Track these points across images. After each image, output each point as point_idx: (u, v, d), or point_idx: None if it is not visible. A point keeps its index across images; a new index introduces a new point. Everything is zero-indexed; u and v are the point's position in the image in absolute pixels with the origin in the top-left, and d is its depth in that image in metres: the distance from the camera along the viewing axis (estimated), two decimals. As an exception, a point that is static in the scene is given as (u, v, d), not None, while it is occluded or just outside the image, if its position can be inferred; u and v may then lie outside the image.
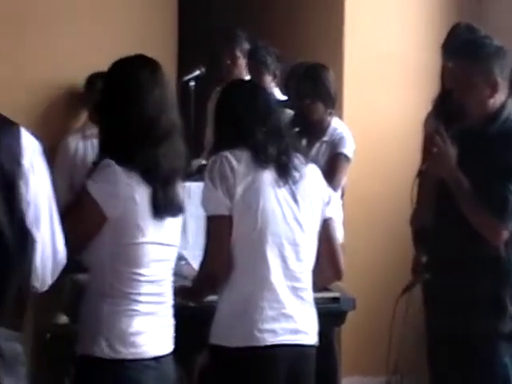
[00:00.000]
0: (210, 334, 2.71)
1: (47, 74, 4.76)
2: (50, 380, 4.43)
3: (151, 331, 2.45)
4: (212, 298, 2.78)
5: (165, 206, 2.45)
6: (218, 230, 2.68)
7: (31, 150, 2.06)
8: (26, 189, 2.03)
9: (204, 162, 4.03)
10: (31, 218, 2.04)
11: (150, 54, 2.61)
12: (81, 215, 2.44)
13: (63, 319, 4.37)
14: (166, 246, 2.50)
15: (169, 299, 2.54)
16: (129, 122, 2.45)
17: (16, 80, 4.63)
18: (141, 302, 2.44)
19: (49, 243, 2.09)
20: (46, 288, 2.13)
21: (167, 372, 2.51)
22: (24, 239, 2.03)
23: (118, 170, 2.41)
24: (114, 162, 2.42)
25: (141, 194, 2.42)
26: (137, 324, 2.43)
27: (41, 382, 4.38)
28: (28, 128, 2.11)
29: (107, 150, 2.48)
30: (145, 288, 2.45)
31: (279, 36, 5.33)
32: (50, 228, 2.09)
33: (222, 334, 2.69)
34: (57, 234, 2.11)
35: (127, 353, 2.41)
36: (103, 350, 2.39)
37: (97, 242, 2.43)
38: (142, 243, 2.43)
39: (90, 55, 4.82)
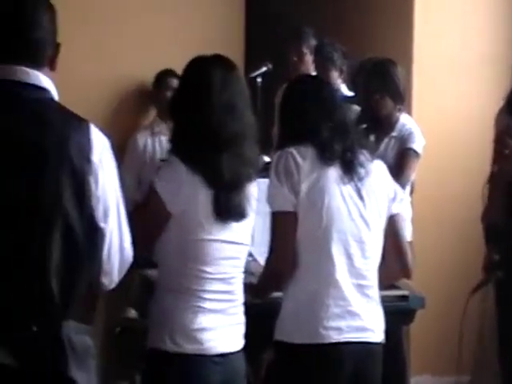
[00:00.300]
0: (275, 330, 2.70)
1: (117, 71, 4.83)
2: (119, 373, 4.49)
3: (218, 328, 2.46)
4: (277, 294, 2.78)
5: (228, 210, 2.44)
6: (283, 226, 2.67)
7: (100, 146, 2.07)
8: (96, 185, 2.04)
9: (268, 159, 4.03)
10: (100, 214, 2.06)
11: (216, 51, 2.61)
12: (148, 213, 2.46)
13: (132, 313, 4.42)
14: (234, 245, 2.49)
15: (239, 297, 2.53)
16: (197, 123, 2.44)
17: (86, 77, 4.70)
18: (207, 299, 2.44)
19: (116, 239, 2.10)
20: (113, 285, 2.15)
21: (235, 368, 2.51)
22: (94, 235, 2.05)
23: (183, 168, 2.42)
24: (179, 161, 2.43)
25: (203, 195, 2.43)
26: (202, 321, 2.43)
27: (111, 375, 4.45)
28: (98, 125, 2.13)
29: (175, 148, 2.49)
30: (212, 285, 2.45)
31: (347, 32, 5.29)
32: (118, 224, 2.10)
33: (287, 330, 2.69)
34: (124, 231, 2.12)
35: (191, 348, 2.42)
36: (167, 344, 2.41)
37: (164, 238, 2.45)
38: (207, 240, 2.43)
39: (158, 52, 4.87)
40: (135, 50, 4.84)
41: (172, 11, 4.96)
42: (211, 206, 2.43)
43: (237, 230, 2.49)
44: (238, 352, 2.51)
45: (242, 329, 2.54)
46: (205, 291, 2.44)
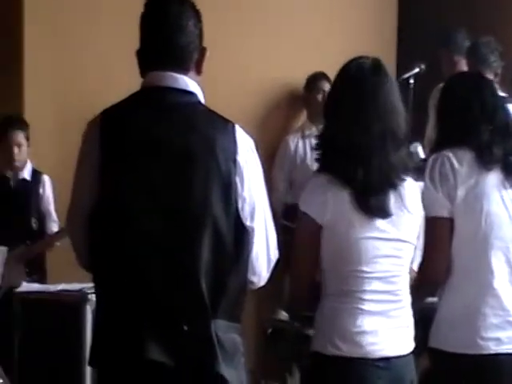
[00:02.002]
0: (430, 336, 2.65)
1: (270, 74, 4.89)
2: (270, 374, 4.54)
3: (380, 331, 2.35)
4: (432, 299, 2.72)
5: (374, 209, 2.34)
6: (439, 232, 2.60)
7: (245, 146, 2.11)
8: (242, 186, 2.08)
9: (423, 155, 3.93)
10: (247, 215, 2.09)
11: (368, 53, 2.58)
12: (301, 238, 2.41)
13: (284, 315, 4.45)
14: (392, 241, 2.37)
15: (403, 297, 2.41)
16: (348, 131, 2.35)
17: (239, 80, 4.78)
18: (366, 300, 2.35)
19: (263, 238, 2.13)
20: (262, 283, 2.17)
21: (401, 373, 2.38)
22: (241, 235, 2.08)
23: (325, 179, 2.34)
24: (321, 172, 2.37)
25: (349, 199, 2.33)
26: (362, 323, 2.35)
27: (262, 375, 4.50)
28: (249, 128, 2.16)
29: (323, 157, 2.40)
30: (371, 285, 2.35)
31: (503, 29, 5.10)
32: (264, 223, 2.12)
33: (442, 338, 2.63)
34: (269, 229, 2.14)
35: (351, 351, 2.34)
36: (327, 348, 2.35)
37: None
38: (360, 239, 2.34)
39: (310, 55, 4.88)
40: (288, 52, 4.87)
41: (324, 14, 4.97)
42: (358, 207, 2.35)
43: (394, 227, 2.38)
44: (404, 356, 2.39)
45: (408, 332, 2.42)
46: (364, 291, 2.35)
